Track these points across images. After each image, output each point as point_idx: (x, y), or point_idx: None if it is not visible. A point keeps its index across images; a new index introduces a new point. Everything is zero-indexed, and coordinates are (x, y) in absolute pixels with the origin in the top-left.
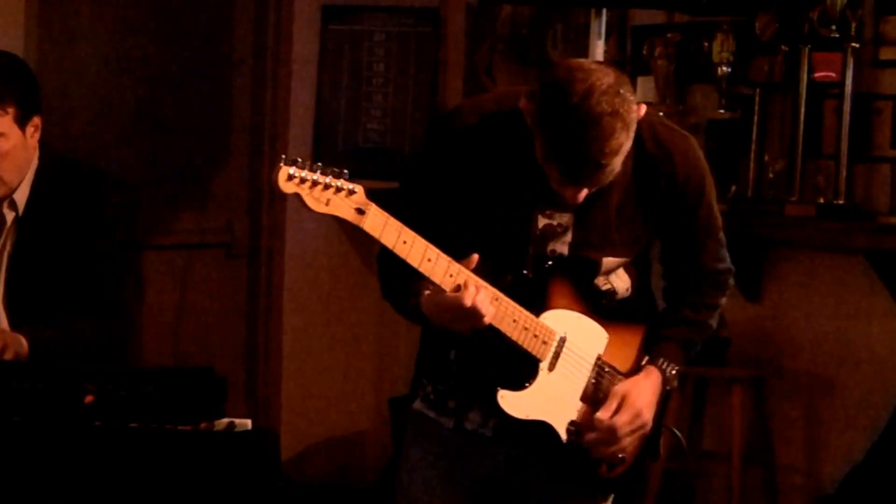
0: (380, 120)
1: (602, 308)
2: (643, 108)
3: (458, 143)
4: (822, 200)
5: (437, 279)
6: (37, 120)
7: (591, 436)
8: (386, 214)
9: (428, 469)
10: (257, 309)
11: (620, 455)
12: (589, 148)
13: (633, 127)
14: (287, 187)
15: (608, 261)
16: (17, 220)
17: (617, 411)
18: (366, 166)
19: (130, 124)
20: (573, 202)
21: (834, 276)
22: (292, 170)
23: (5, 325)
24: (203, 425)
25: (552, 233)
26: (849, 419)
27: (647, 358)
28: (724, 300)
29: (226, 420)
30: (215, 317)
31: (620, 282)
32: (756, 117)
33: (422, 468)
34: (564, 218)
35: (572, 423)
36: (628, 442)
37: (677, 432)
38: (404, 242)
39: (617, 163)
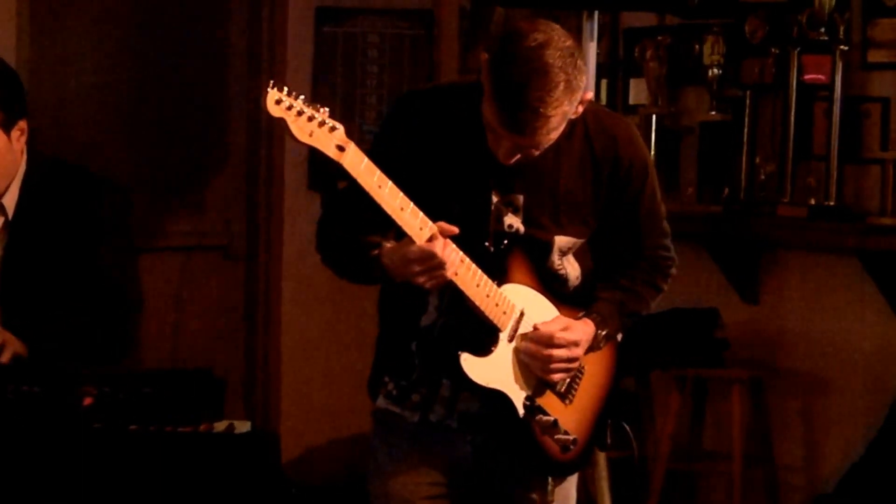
0: (374, 122)
1: (554, 291)
2: (589, 94)
3: (414, 121)
4: (813, 202)
5: (410, 230)
6: (22, 124)
7: (526, 344)
8: (364, 155)
9: (397, 464)
10: (256, 310)
11: (563, 386)
12: (530, 92)
13: (577, 97)
14: (275, 111)
15: (560, 240)
16: (6, 224)
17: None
18: None
19: (126, 128)
20: (505, 161)
21: (827, 276)
22: (280, 95)
23: None
24: (203, 427)
25: (507, 210)
26: (845, 418)
27: (582, 312)
28: (663, 284)
29: (225, 422)
30: (213, 319)
31: (572, 269)
32: (747, 119)
33: (391, 464)
34: (517, 199)
35: (528, 398)
36: (561, 364)
37: (626, 426)
38: (379, 186)
39: (553, 125)
